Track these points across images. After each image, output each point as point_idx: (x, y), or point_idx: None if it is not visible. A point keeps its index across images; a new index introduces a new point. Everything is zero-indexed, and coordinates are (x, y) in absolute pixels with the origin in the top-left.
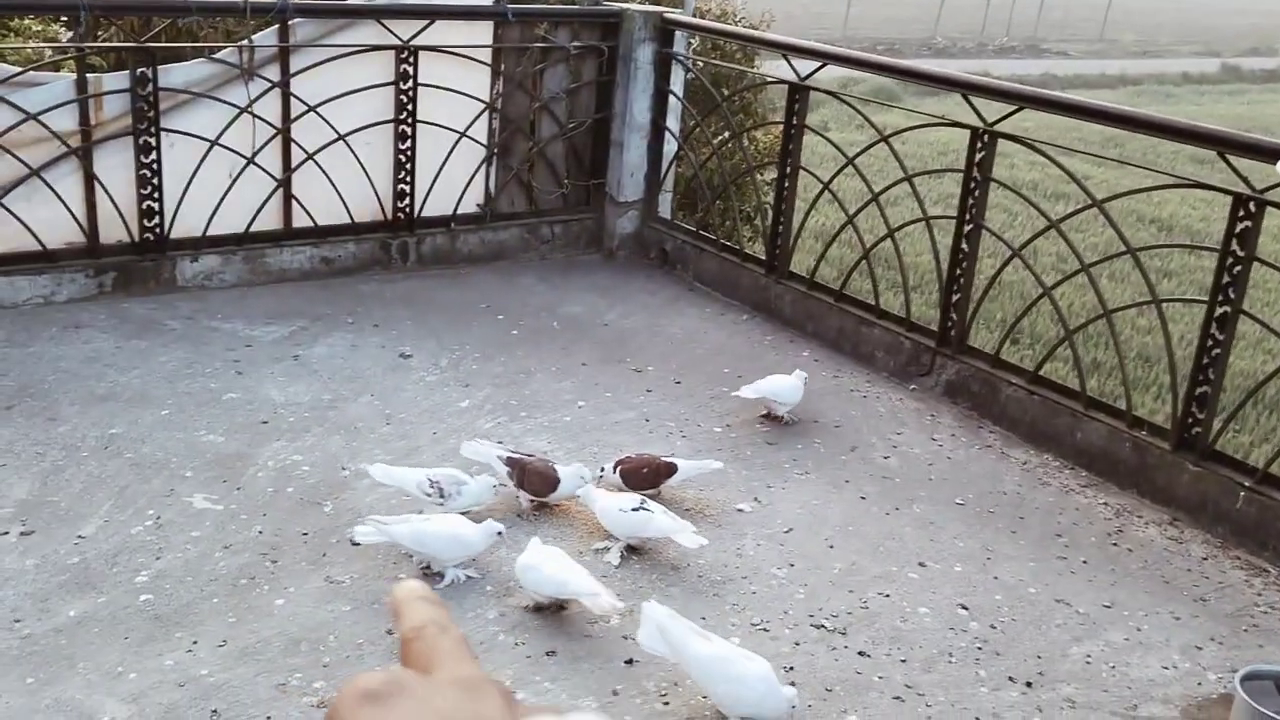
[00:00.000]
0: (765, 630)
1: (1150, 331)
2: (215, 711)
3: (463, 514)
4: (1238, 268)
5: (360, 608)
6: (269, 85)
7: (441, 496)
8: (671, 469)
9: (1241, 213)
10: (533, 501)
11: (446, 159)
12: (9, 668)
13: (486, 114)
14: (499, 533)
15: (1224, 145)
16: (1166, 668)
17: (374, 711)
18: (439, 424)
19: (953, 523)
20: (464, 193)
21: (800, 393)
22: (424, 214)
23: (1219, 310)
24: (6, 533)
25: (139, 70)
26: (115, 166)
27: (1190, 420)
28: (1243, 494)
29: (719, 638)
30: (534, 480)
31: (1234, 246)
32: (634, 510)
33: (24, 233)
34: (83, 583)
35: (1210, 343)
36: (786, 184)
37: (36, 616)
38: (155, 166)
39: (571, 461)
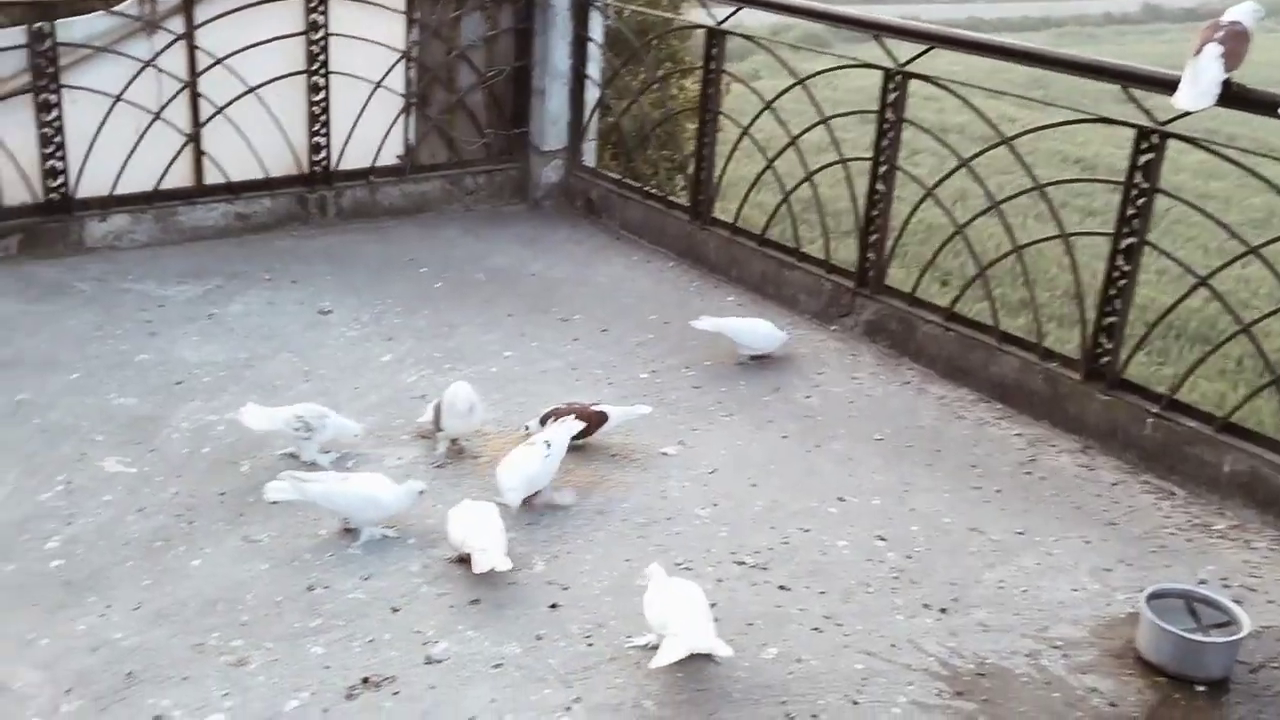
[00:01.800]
0: (689, 569)
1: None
2: (130, 674)
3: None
4: (1141, 200)
5: (279, 565)
6: (174, 37)
7: (309, 430)
8: (603, 418)
9: (1144, 145)
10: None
11: (362, 110)
12: None
13: (403, 63)
14: (420, 492)
15: (1126, 79)
16: (1076, 590)
17: None
18: (360, 379)
19: (871, 458)
20: (382, 144)
21: (773, 343)
22: (341, 167)
23: (1124, 242)
24: None
25: (35, 25)
26: (15, 126)
27: (1099, 350)
28: (1150, 420)
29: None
30: None
31: (1138, 179)
32: (548, 450)
33: None
34: None
35: (1117, 274)
36: (707, 130)
37: None
38: (57, 125)
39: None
